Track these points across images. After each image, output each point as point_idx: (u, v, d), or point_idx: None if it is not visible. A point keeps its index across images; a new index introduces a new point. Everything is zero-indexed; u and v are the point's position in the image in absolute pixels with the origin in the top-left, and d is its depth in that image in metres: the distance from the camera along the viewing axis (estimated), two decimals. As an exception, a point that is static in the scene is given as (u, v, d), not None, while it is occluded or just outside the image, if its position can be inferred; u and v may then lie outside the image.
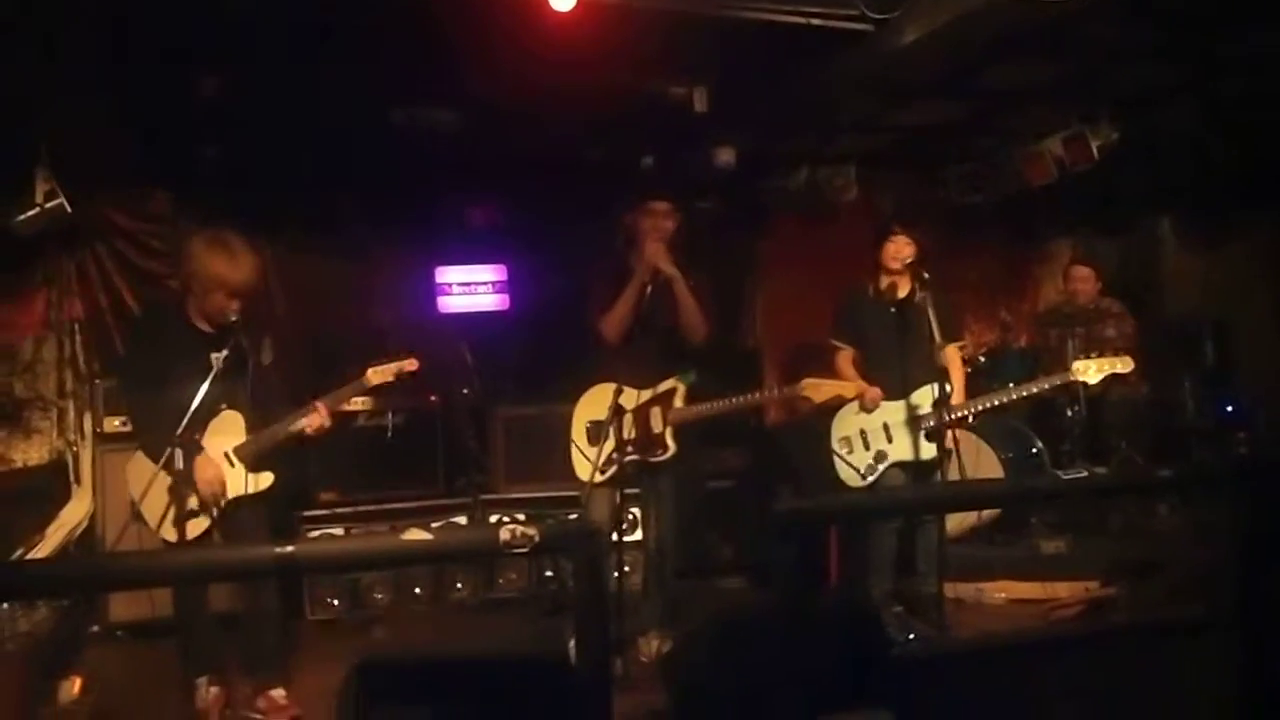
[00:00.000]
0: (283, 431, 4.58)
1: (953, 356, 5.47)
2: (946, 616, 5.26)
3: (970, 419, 5.62)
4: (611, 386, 4.92)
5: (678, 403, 5.12)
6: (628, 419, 5.05)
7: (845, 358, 5.63)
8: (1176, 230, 9.03)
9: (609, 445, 4.99)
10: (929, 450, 5.26)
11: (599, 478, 5.03)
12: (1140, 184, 7.86)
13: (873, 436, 5.42)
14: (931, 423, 5.24)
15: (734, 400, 5.20)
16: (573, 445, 5.23)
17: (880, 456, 5.39)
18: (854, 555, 5.70)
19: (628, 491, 5.25)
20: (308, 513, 6.26)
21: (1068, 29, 5.06)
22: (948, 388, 5.23)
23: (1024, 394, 5.66)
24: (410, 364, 4.83)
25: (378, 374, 4.78)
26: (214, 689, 4.53)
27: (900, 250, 5.37)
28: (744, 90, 5.81)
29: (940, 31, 4.73)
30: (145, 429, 4.61)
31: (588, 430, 5.20)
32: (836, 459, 5.54)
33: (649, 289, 5.04)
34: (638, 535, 5.61)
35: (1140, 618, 5.15)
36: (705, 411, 5.17)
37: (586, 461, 5.12)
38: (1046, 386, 5.74)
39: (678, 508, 5.27)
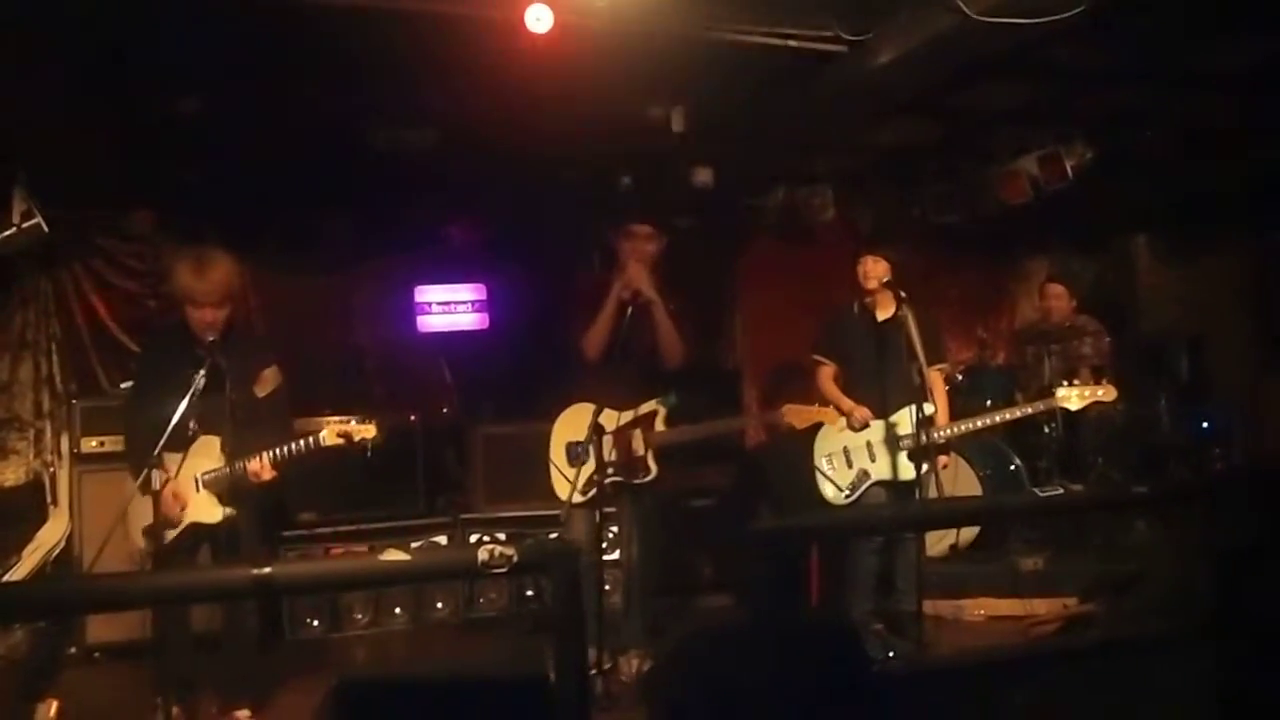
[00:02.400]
0: (238, 475, 4.51)
1: (935, 379, 5.47)
2: (926, 634, 5.27)
3: (951, 441, 5.62)
4: (590, 407, 4.91)
5: (659, 425, 5.13)
6: (608, 440, 5.00)
7: (826, 374, 5.63)
8: (1151, 248, 9.11)
9: (589, 466, 4.98)
10: (911, 470, 5.27)
11: (578, 498, 5.01)
12: (1115, 202, 7.93)
13: (856, 454, 5.42)
14: (913, 444, 5.23)
15: (716, 424, 5.22)
16: (552, 465, 5.21)
17: (863, 475, 5.39)
18: (835, 574, 5.71)
19: (606, 511, 5.23)
20: (287, 533, 6.23)
21: (1040, 51, 5.12)
22: (930, 409, 5.25)
23: (1007, 418, 5.70)
24: (368, 430, 4.66)
25: (330, 436, 4.60)
26: (174, 709, 4.46)
27: (872, 270, 5.36)
28: (721, 111, 5.84)
29: (914, 53, 4.78)
30: (130, 447, 4.63)
31: (567, 450, 5.18)
32: (819, 476, 5.52)
33: (629, 310, 5.04)
34: (616, 555, 5.59)
35: (1118, 633, 5.17)
36: (687, 434, 5.19)
37: (566, 482, 5.09)
38: (1030, 411, 5.78)
39: (658, 529, 5.27)
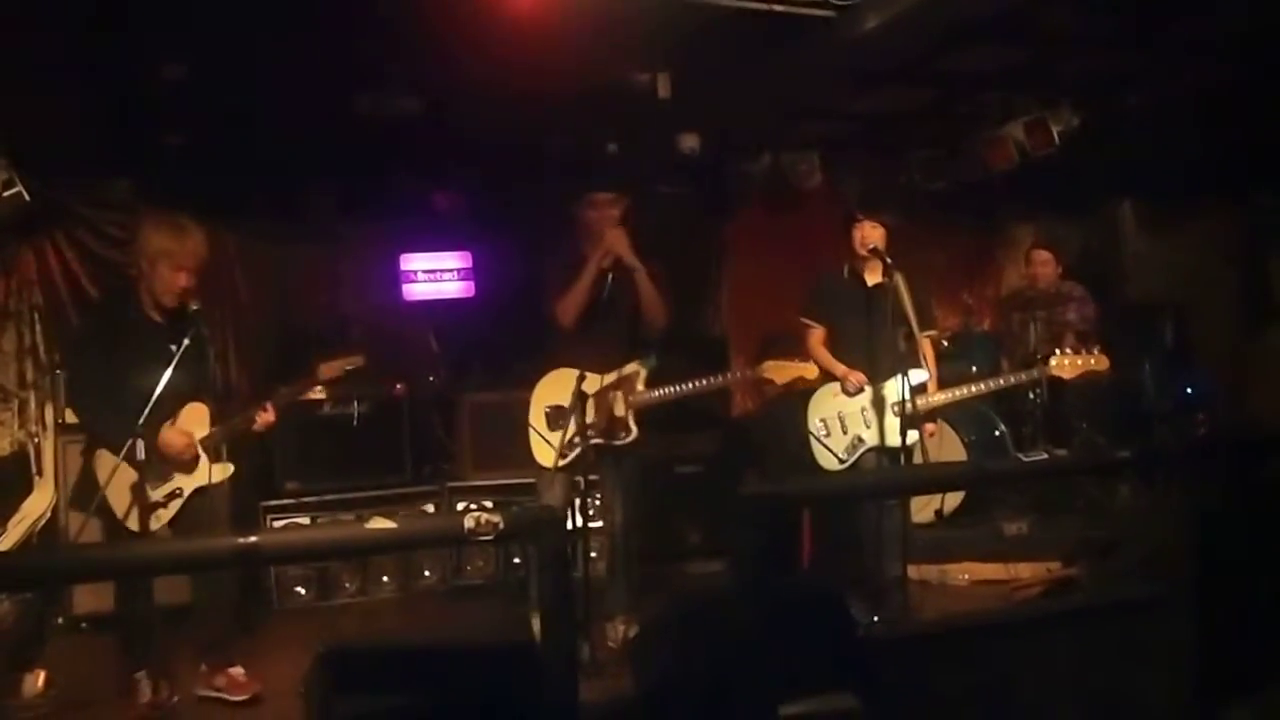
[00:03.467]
0: (243, 424, 4.61)
1: (925, 346, 5.46)
2: (910, 599, 5.30)
3: (938, 409, 5.58)
4: (571, 372, 4.92)
5: (639, 386, 5.13)
6: (589, 403, 5.02)
7: (816, 337, 5.59)
8: (1137, 214, 9.11)
9: (570, 429, 4.99)
10: (906, 437, 5.26)
11: (560, 462, 5.03)
12: (1101, 169, 7.92)
13: (850, 420, 5.39)
14: (907, 410, 5.17)
15: (696, 384, 5.21)
16: (531, 430, 5.19)
17: (858, 441, 5.36)
18: (828, 538, 5.73)
19: (589, 478, 5.23)
20: (273, 502, 6.23)
21: (1027, 15, 5.10)
22: (922, 375, 5.27)
23: (998, 385, 5.70)
24: (356, 361, 4.94)
25: (329, 369, 4.88)
26: (151, 682, 4.46)
27: (868, 235, 5.31)
28: (707, 77, 5.81)
29: (901, 17, 4.76)
30: (96, 421, 4.59)
31: (547, 415, 5.17)
32: (814, 441, 5.48)
33: (610, 276, 5.05)
34: (600, 522, 5.60)
35: (1101, 597, 5.21)
36: (668, 395, 5.18)
37: (546, 446, 5.11)
38: (1023, 379, 5.77)
39: (640, 492, 5.29)
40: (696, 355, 6.65)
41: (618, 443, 5.12)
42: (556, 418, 5.10)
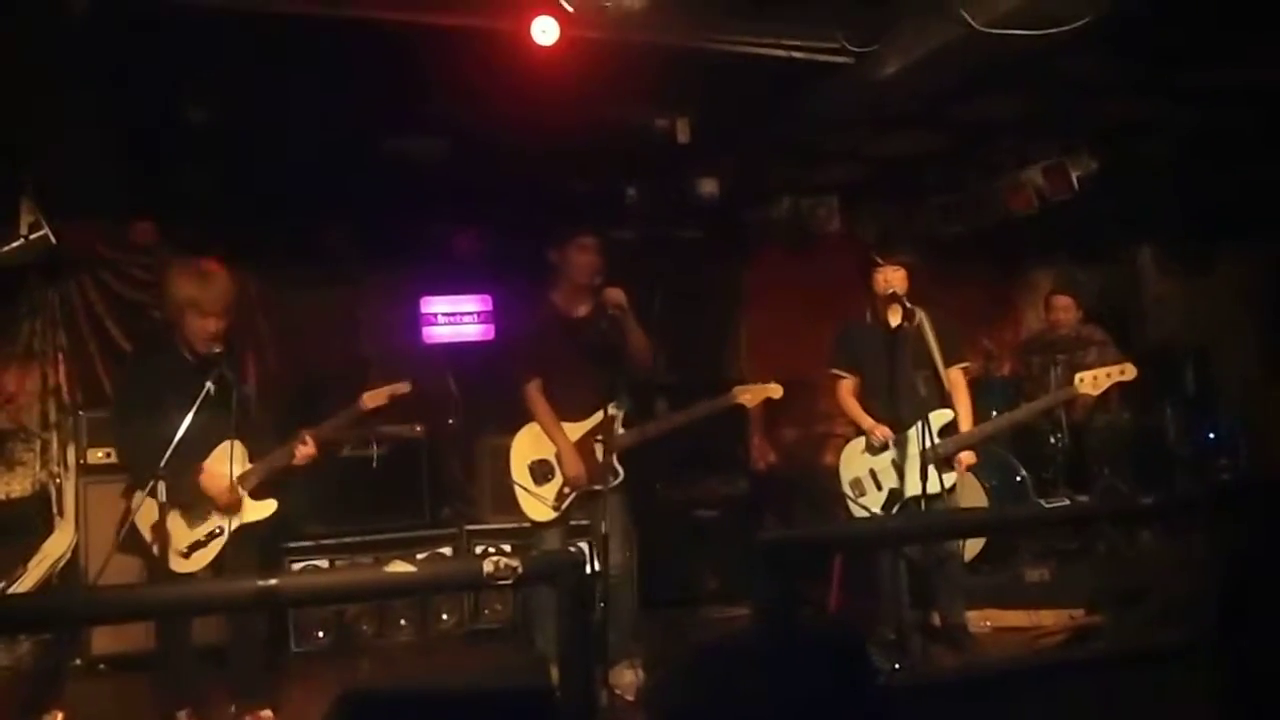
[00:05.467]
0: (283, 458, 4.64)
1: (957, 380, 5.44)
2: (931, 647, 5.27)
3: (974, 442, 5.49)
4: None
5: (618, 429, 5.14)
6: (572, 453, 5.14)
7: (846, 387, 5.53)
8: (1157, 259, 9.09)
9: (557, 480, 5.10)
10: (947, 481, 5.17)
11: (552, 514, 5.11)
12: (1121, 213, 7.91)
13: (883, 476, 5.29)
14: (939, 452, 5.11)
15: (674, 418, 5.24)
16: (517, 488, 5.20)
17: (894, 495, 5.23)
18: (856, 585, 5.68)
19: (575, 524, 5.29)
20: (292, 544, 6.23)
21: (1045, 62, 5.12)
22: (949, 415, 5.27)
23: (1030, 411, 5.64)
24: (403, 387, 4.92)
25: (372, 398, 4.86)
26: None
27: (890, 278, 5.26)
28: (726, 122, 5.85)
29: (919, 63, 4.79)
30: (136, 461, 4.62)
31: (531, 469, 5.20)
32: (850, 504, 5.41)
33: (602, 326, 5.08)
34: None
35: (1125, 645, 5.16)
36: (648, 433, 5.21)
37: (535, 501, 5.15)
38: (1053, 402, 5.71)
39: (633, 534, 5.28)
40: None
41: (607, 488, 5.10)
42: (542, 471, 5.16)
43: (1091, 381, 5.28)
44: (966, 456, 5.37)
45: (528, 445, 5.24)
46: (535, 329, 5.36)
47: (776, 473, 7.95)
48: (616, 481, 5.12)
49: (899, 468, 5.22)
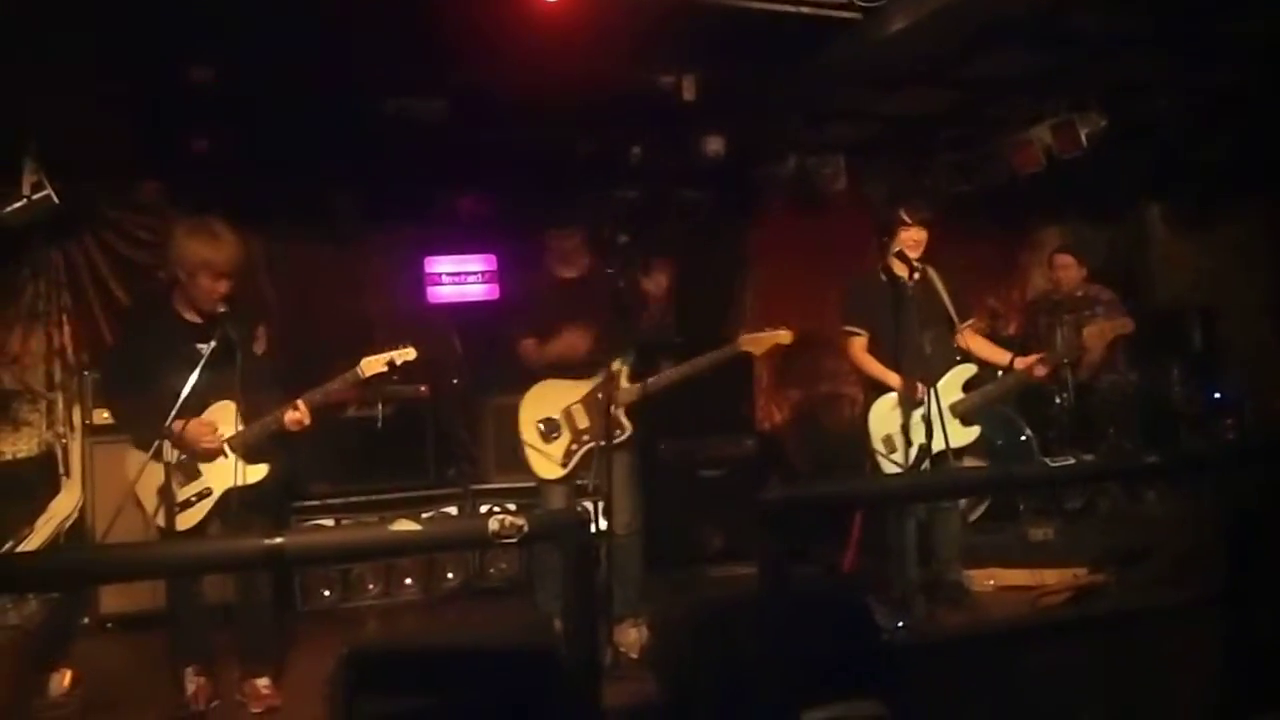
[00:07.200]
0: (275, 423, 4.59)
1: (975, 339, 5.51)
2: (935, 605, 5.29)
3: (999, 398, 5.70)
4: (556, 383, 5.20)
5: (624, 384, 5.17)
6: (578, 409, 5.21)
7: (860, 344, 5.48)
8: (1165, 217, 9.05)
9: (565, 438, 5.16)
10: (969, 434, 5.33)
11: (561, 472, 5.18)
12: (1129, 171, 7.87)
13: (914, 431, 5.15)
14: (964, 406, 5.32)
15: (680, 369, 5.25)
16: (525, 446, 5.26)
17: (924, 451, 5.12)
18: (868, 544, 5.70)
19: (581, 483, 5.33)
20: (298, 504, 6.25)
21: (1054, 17, 5.07)
22: (972, 369, 5.40)
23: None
24: (407, 353, 4.80)
25: (371, 365, 4.75)
26: (201, 679, 4.57)
27: (917, 237, 5.23)
28: (732, 79, 5.80)
29: (928, 20, 4.74)
30: (130, 420, 4.63)
31: (539, 428, 5.25)
32: (881, 460, 5.37)
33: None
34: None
35: (1128, 604, 5.18)
36: (652, 386, 5.22)
37: (543, 458, 5.22)
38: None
39: (640, 490, 5.29)
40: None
41: (615, 442, 5.11)
42: (550, 430, 5.22)
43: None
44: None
45: (535, 404, 5.28)
46: (530, 290, 5.46)
47: (782, 432, 7.95)
48: (624, 437, 5.14)
49: (928, 422, 5.09)
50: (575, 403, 5.22)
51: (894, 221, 5.31)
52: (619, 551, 5.21)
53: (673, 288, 7.69)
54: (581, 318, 5.18)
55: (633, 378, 5.21)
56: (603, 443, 5.00)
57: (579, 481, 5.31)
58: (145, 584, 5.35)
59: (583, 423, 5.21)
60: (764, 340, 5.29)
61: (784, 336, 5.31)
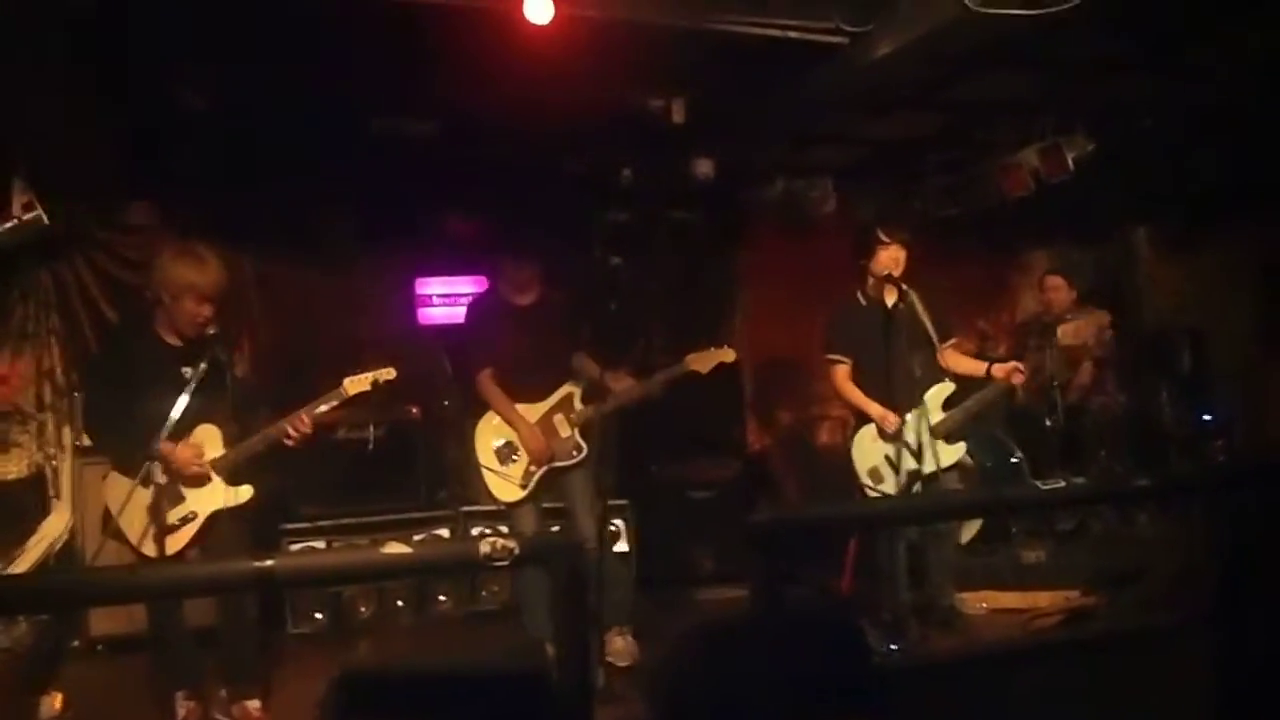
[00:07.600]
0: (260, 444, 4.57)
1: (953, 355, 5.50)
2: (965, 626, 5.32)
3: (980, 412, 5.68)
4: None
5: (577, 405, 5.28)
6: (534, 431, 5.26)
7: (843, 372, 5.49)
8: (1152, 240, 9.08)
9: (523, 460, 5.22)
10: (956, 452, 5.37)
11: (520, 494, 5.22)
12: (1116, 194, 7.91)
13: (899, 458, 5.23)
14: (946, 425, 5.34)
15: (632, 389, 5.29)
16: (483, 471, 5.31)
17: (914, 476, 5.18)
18: (860, 567, 5.71)
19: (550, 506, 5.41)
20: (289, 526, 6.22)
21: (1041, 42, 5.11)
22: (951, 388, 5.41)
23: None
24: (388, 373, 4.78)
25: (354, 384, 4.74)
26: (191, 703, 4.54)
27: (896, 256, 5.28)
28: (721, 103, 5.83)
29: (914, 44, 4.78)
30: (111, 445, 4.62)
31: (496, 452, 5.31)
32: (869, 492, 5.41)
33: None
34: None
35: (1120, 626, 5.17)
36: (605, 407, 5.27)
37: (504, 482, 5.27)
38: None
39: (600, 507, 5.31)
40: (710, 380, 6.65)
41: (571, 463, 5.23)
42: (507, 453, 5.28)
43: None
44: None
45: (491, 429, 5.35)
46: (484, 319, 5.48)
47: (771, 454, 7.96)
48: (580, 457, 5.23)
49: (912, 448, 5.17)
50: (531, 425, 5.27)
51: (872, 242, 5.35)
52: (594, 563, 5.23)
53: (662, 309, 7.69)
54: (534, 342, 5.26)
55: (585, 399, 5.29)
56: (559, 463, 5.18)
57: (547, 505, 5.37)
58: (136, 606, 5.31)
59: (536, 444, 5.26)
60: (708, 359, 5.30)
61: (727, 355, 5.34)
